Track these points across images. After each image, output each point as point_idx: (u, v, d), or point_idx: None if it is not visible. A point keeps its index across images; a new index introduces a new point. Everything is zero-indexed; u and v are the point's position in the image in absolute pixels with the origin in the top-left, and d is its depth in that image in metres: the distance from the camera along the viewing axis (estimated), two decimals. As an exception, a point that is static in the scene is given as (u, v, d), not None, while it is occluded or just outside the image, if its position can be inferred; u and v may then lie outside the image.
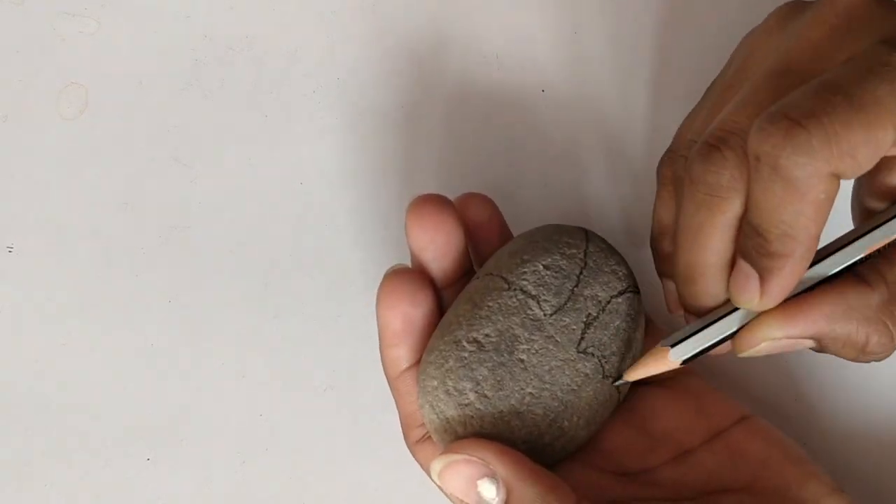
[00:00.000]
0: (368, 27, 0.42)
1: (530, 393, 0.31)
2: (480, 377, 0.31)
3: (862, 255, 0.29)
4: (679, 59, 0.40)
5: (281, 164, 0.41)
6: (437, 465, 0.30)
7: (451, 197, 0.34)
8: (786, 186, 0.26)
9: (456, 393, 0.31)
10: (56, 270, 0.40)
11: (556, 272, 0.33)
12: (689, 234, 0.30)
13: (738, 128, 0.28)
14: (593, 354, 0.32)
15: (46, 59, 0.42)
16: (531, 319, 0.32)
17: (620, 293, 0.33)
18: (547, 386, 0.31)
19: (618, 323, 0.32)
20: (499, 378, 0.31)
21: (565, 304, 0.32)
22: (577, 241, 0.33)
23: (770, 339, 0.29)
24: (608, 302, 0.32)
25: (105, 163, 0.41)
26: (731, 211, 0.28)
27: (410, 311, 0.33)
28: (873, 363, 0.30)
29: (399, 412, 0.34)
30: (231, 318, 0.40)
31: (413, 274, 0.33)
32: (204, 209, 0.41)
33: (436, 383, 0.31)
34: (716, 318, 0.30)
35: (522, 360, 0.31)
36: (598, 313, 0.32)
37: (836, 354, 0.29)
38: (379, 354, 0.34)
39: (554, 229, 0.34)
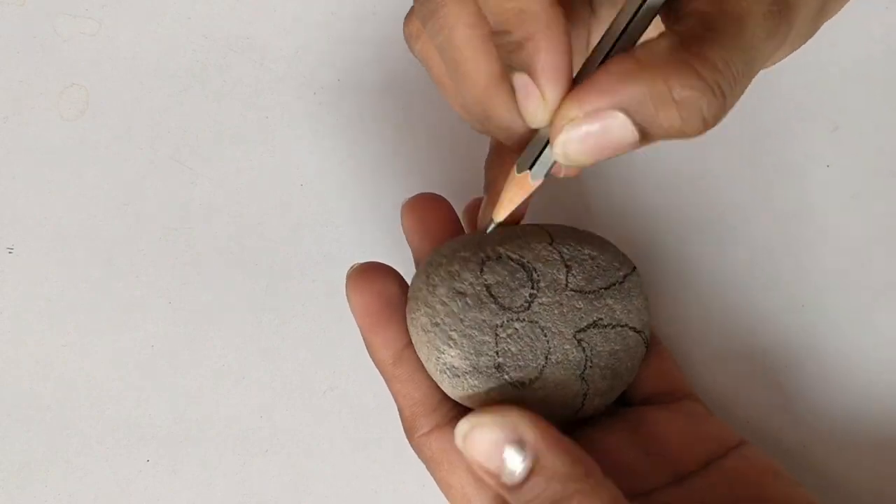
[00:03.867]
0: (368, 28, 0.42)
1: (515, 329, 0.30)
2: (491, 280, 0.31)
3: (633, 13, 0.27)
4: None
5: (281, 164, 0.41)
6: (463, 427, 0.29)
7: (452, 197, 0.35)
8: None
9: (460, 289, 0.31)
10: (56, 270, 0.41)
11: (599, 266, 0.32)
12: (453, 71, 0.30)
13: None
14: (584, 350, 0.31)
15: (47, 59, 0.42)
16: (554, 278, 0.31)
17: (634, 329, 0.32)
18: (536, 333, 0.31)
19: (617, 348, 0.32)
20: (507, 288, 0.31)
21: (588, 293, 0.32)
22: (626, 266, 0.33)
23: (570, 120, 0.26)
24: (621, 326, 0.32)
25: (105, 163, 0.41)
26: (462, 19, 0.28)
27: (385, 288, 0.32)
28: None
29: (400, 405, 0.32)
30: (231, 318, 0.40)
31: (377, 263, 0.32)
32: (204, 210, 0.41)
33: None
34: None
35: (529, 299, 0.31)
36: (608, 326, 0.32)
37: (661, 132, 0.26)
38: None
39: (612, 245, 0.34)
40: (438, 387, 0.31)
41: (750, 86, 0.39)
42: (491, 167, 0.34)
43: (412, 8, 0.31)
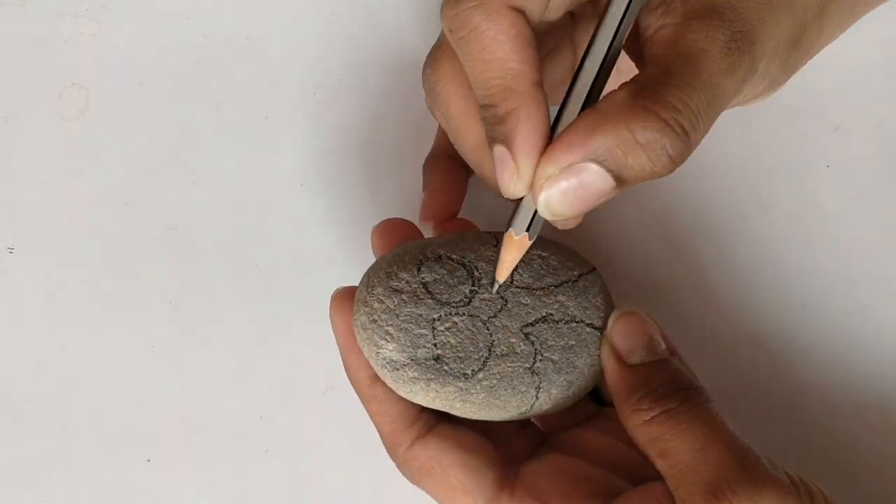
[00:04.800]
0: (368, 28, 0.42)
1: (454, 322, 0.32)
2: (430, 277, 0.32)
3: (596, 71, 0.29)
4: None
5: (281, 164, 0.41)
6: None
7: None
8: (476, 38, 0.28)
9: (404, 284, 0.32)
10: (56, 270, 0.40)
11: (549, 265, 0.33)
12: (453, 137, 0.33)
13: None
14: (532, 343, 0.32)
15: (48, 59, 0.42)
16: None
17: (592, 326, 0.32)
18: (478, 326, 0.32)
19: (572, 343, 0.32)
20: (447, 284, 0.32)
21: (536, 290, 0.32)
22: (582, 266, 0.34)
23: (547, 178, 0.28)
24: (575, 322, 0.32)
25: (105, 163, 0.41)
26: (454, 92, 0.31)
27: None
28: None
29: (379, 424, 0.33)
30: (231, 318, 0.40)
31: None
32: (204, 210, 0.41)
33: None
34: None
35: (469, 294, 0.32)
36: (560, 321, 0.32)
37: (634, 175, 0.28)
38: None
39: (568, 248, 0.34)
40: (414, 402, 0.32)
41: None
42: (428, 169, 0.37)
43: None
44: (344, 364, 0.33)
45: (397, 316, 0.31)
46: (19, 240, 0.41)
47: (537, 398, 0.32)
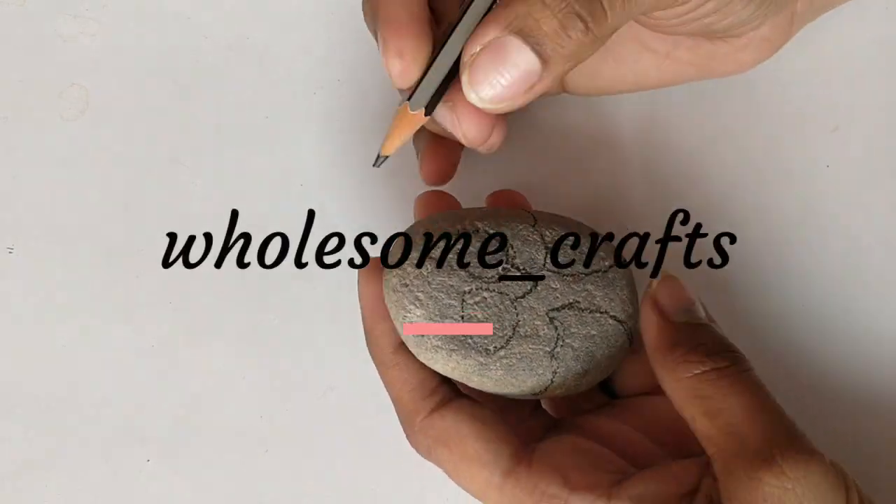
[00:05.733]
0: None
1: (483, 297, 0.32)
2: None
3: None
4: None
5: (281, 164, 0.41)
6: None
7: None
8: None
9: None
10: (56, 270, 0.40)
11: (582, 253, 0.33)
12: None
13: None
14: (556, 328, 0.32)
15: (48, 59, 0.42)
16: (531, 256, 0.32)
17: (615, 318, 0.33)
18: (506, 305, 0.32)
19: (593, 333, 0.32)
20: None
21: (566, 276, 0.32)
22: (613, 258, 0.34)
23: (471, 55, 0.28)
24: (600, 312, 0.32)
25: (105, 163, 0.41)
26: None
27: None
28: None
29: (398, 393, 0.32)
30: (231, 319, 0.40)
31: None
32: (204, 210, 0.41)
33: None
34: (436, 57, 0.31)
35: (501, 271, 0.32)
36: (585, 310, 0.32)
37: (554, 46, 0.28)
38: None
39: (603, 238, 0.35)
40: (434, 372, 0.32)
41: (749, 86, 0.40)
42: (419, 139, 0.37)
43: None
44: (367, 333, 0.33)
45: (429, 283, 0.31)
46: (19, 240, 0.41)
47: (552, 382, 0.32)
